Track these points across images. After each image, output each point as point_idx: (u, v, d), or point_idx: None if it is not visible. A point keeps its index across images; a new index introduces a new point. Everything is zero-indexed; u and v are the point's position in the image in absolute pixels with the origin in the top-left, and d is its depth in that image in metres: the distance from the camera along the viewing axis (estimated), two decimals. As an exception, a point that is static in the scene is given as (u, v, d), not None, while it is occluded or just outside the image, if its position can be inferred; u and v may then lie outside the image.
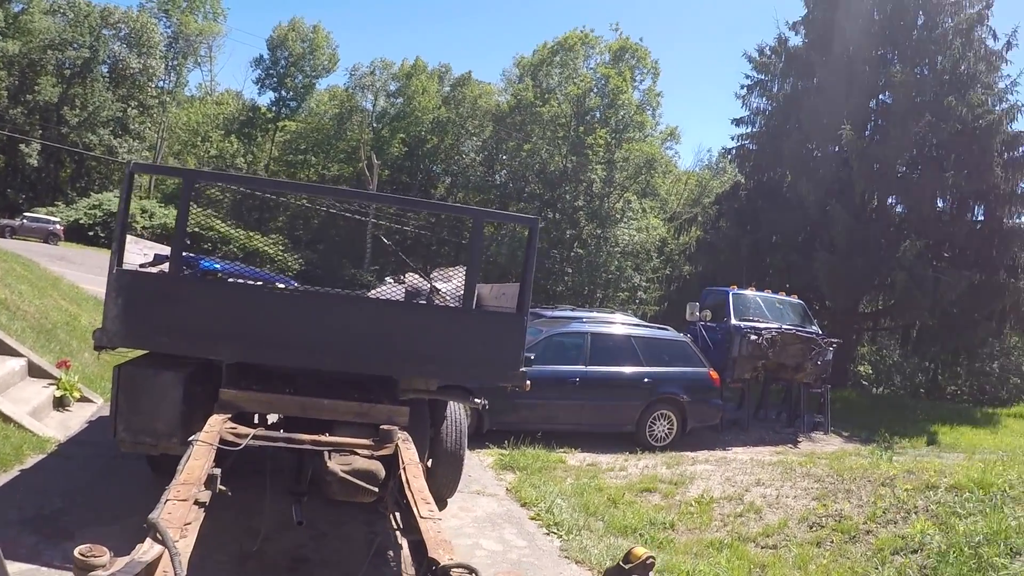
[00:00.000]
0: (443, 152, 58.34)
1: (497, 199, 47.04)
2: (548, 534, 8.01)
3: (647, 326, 16.33)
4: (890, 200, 29.46)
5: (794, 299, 19.92)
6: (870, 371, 49.45)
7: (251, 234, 44.41)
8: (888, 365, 48.57)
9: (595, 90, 46.20)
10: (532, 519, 8.47)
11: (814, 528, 8.30)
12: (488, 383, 8.20)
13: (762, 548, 7.97)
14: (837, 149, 28.38)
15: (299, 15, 73.12)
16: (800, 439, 17.22)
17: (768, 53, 32.22)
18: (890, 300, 28.70)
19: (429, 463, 7.88)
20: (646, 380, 13.95)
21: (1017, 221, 28.10)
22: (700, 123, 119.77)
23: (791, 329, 17.66)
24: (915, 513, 8.12)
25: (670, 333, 15.72)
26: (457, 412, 8.19)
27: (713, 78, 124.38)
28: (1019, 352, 44.63)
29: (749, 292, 19.12)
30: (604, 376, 13.69)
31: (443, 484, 8.20)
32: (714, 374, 15.02)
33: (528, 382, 7.41)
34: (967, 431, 20.56)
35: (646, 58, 49.51)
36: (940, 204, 28.52)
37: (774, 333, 16.96)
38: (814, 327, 19.24)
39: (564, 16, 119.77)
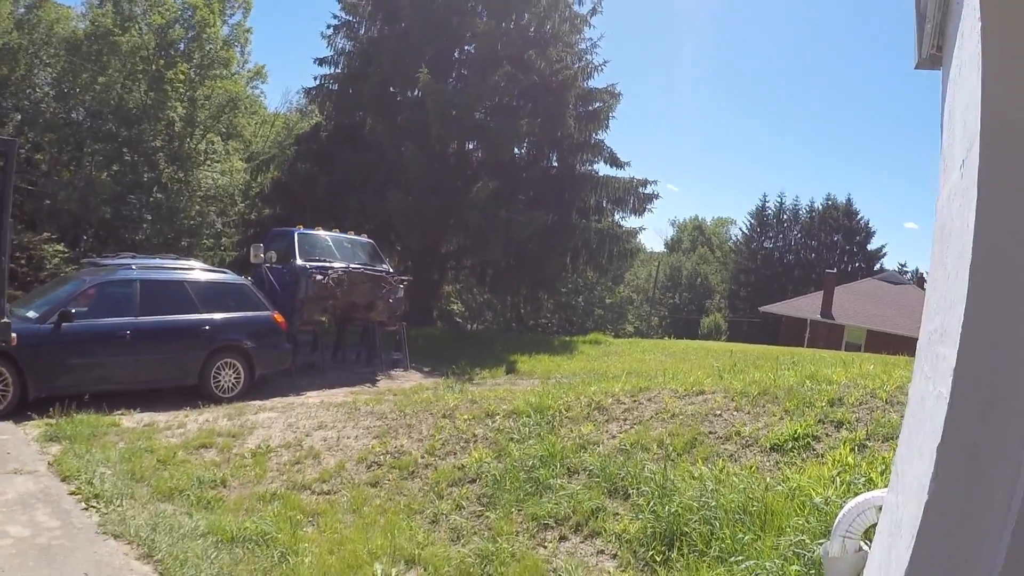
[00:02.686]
0: (13, 84, 52.42)
1: (72, 137, 43.07)
2: (87, 509, 7.10)
3: (212, 271, 15.16)
4: (469, 146, 30.42)
5: (364, 238, 19.67)
6: (462, 309, 51.81)
7: None
8: (479, 303, 51.16)
9: (180, 22, 43.46)
10: (72, 494, 7.46)
11: (372, 468, 8.16)
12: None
13: (317, 495, 7.65)
14: (417, 94, 28.70)
15: None
16: (379, 378, 17.21)
17: (359, -4, 31.86)
18: (467, 240, 29.64)
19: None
20: (205, 328, 13.13)
21: (588, 168, 30.54)
22: (290, 64, 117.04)
23: (359, 268, 17.52)
24: (473, 442, 8.23)
25: (228, 276, 14.87)
26: None
27: (306, 19, 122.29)
28: (601, 288, 48.69)
29: (317, 232, 18.51)
30: (157, 326, 12.64)
31: None
32: (279, 317, 14.45)
33: (14, 336, 6.61)
34: (545, 359, 21.53)
35: (238, -10, 47.12)
36: (517, 151, 29.89)
37: (340, 272, 16.69)
38: (384, 266, 19.13)
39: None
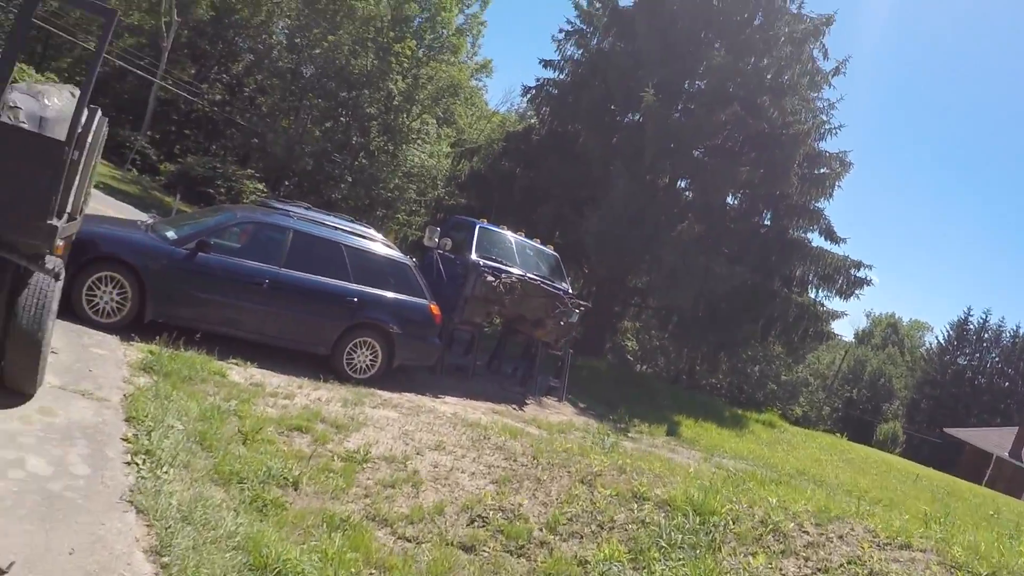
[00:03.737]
0: (251, 27, 53.97)
1: (295, 88, 43.65)
2: (129, 464, 5.70)
3: (386, 245, 13.39)
4: (681, 183, 28.53)
5: (549, 249, 17.81)
6: (636, 347, 49.76)
7: None
8: (654, 346, 49.04)
9: (418, 0, 43.39)
10: (125, 440, 6.11)
11: (474, 524, 6.44)
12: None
13: (397, 539, 6.02)
14: (637, 118, 27.08)
15: None
16: (529, 401, 15.56)
17: (596, 6, 30.41)
18: (657, 280, 27.16)
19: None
20: (351, 299, 11.68)
21: (801, 235, 27.92)
22: (516, 65, 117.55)
23: (536, 279, 15.72)
24: (609, 530, 6.39)
25: (393, 253, 13.23)
26: (43, 281, 5.82)
27: (539, 21, 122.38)
28: (780, 362, 45.94)
29: (501, 230, 16.71)
30: (299, 283, 11.28)
31: (16, 374, 6.04)
32: (435, 308, 12.83)
33: (60, 243, 5.09)
34: (712, 428, 19.43)
35: (481, -18, 46.99)
36: (730, 200, 27.84)
37: (514, 279, 14.95)
38: (564, 284, 17.14)
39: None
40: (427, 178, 39.60)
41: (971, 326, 72.25)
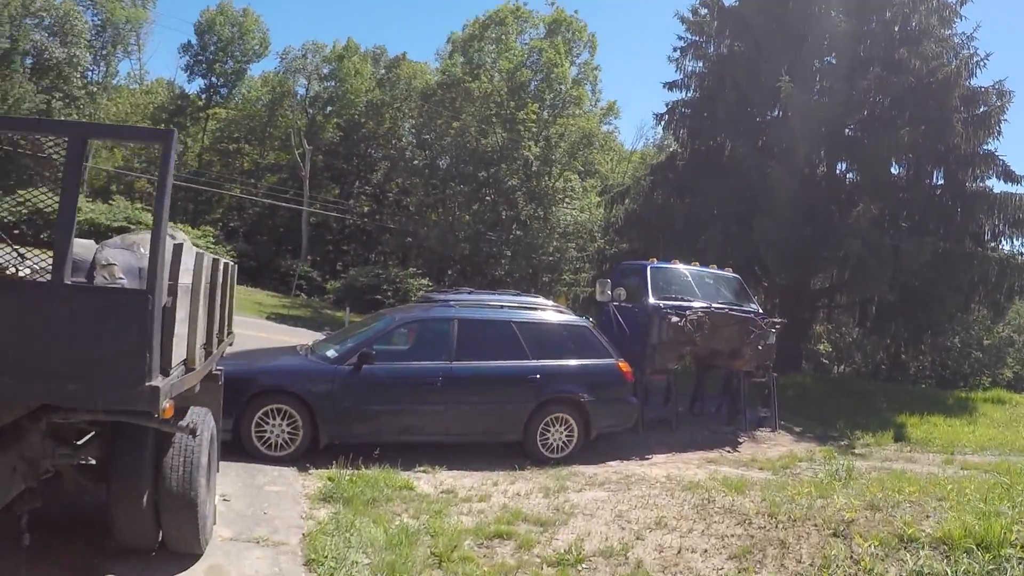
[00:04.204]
0: (380, 136, 55.68)
1: (435, 181, 44.31)
2: None
3: (558, 311, 12.79)
4: (840, 166, 26.78)
5: (728, 272, 16.68)
6: (829, 349, 47.39)
7: None
8: (848, 343, 46.53)
9: (528, 64, 43.52)
10: None
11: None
12: (89, 406, 4.47)
13: None
14: (778, 113, 25.80)
15: (226, -1, 68.91)
16: (742, 438, 14.49)
17: (702, 13, 29.43)
18: (844, 274, 25.69)
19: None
20: (533, 376, 10.99)
21: (980, 185, 25.43)
22: (642, 99, 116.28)
23: (722, 308, 14.65)
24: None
25: (568, 318, 12.56)
26: (186, 438, 5.40)
27: (654, 51, 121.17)
28: (979, 326, 42.79)
29: (674, 266, 15.79)
30: (475, 372, 10.79)
31: (176, 536, 5.66)
32: (624, 366, 11.94)
33: (167, 405, 4.56)
34: (939, 421, 17.81)
35: (583, 31, 46.86)
36: (894, 168, 25.77)
37: (700, 313, 13.89)
38: (753, 305, 16.07)
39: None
40: (584, 233, 39.04)
41: None
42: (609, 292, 14.52)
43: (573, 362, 11.51)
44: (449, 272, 43.42)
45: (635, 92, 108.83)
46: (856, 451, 14.37)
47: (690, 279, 15.39)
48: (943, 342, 32.27)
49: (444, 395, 10.48)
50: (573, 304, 29.93)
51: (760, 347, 14.62)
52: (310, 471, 8.99)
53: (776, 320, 15.80)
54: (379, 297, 35.93)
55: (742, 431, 14.91)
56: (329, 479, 8.45)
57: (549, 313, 12.26)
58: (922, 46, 24.31)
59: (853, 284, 24.07)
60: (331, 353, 10.57)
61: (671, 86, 29.70)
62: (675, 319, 13.58)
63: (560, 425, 11.14)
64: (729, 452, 13.23)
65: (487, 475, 9.58)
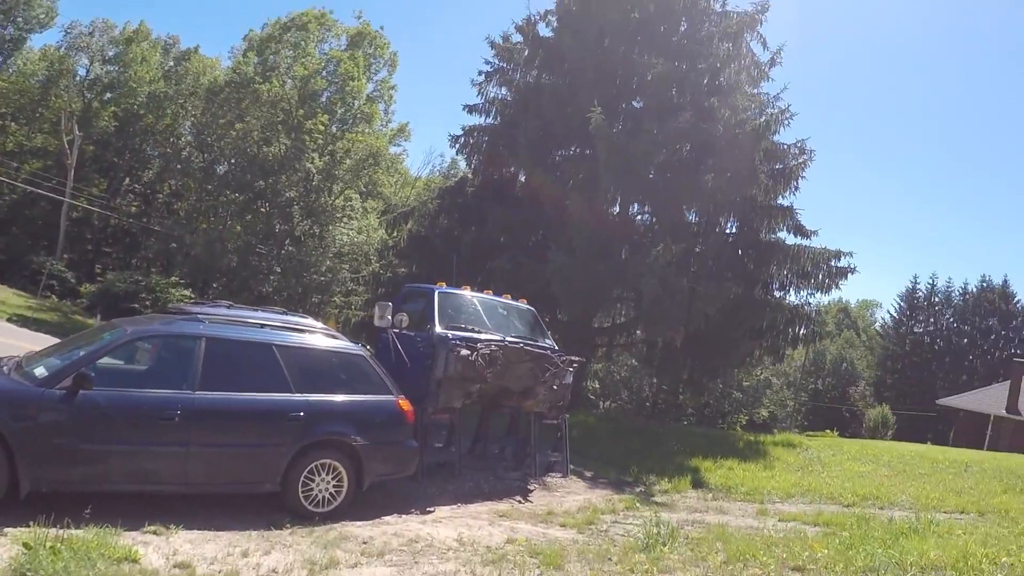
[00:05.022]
0: (158, 132, 52.07)
1: (214, 188, 41.42)
2: None
3: (330, 336, 10.60)
4: (635, 206, 26.58)
5: (522, 304, 15.27)
6: (596, 386, 47.87)
7: None
8: (615, 380, 47.36)
9: (324, 74, 41.47)
10: None
11: None
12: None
13: None
14: (579, 149, 25.54)
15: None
16: (532, 485, 13.09)
17: (514, 40, 28.68)
18: (628, 313, 26.03)
19: None
20: (296, 414, 8.98)
21: (773, 236, 25.92)
22: (434, 126, 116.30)
23: (518, 342, 13.07)
24: None
25: (342, 344, 10.53)
26: None
27: (450, 78, 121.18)
28: (740, 370, 44.44)
29: (464, 292, 14.07)
30: (225, 406, 8.63)
31: None
32: (405, 404, 10.23)
33: None
34: (735, 466, 17.19)
35: (385, 48, 45.20)
36: (690, 215, 25.87)
37: (495, 347, 12.31)
38: (548, 341, 14.67)
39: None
40: (359, 255, 37.34)
41: (920, 293, 74.74)
42: (389, 317, 12.50)
43: (345, 398, 9.71)
44: (215, 285, 40.75)
45: (427, 118, 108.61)
46: (656, 500, 13.32)
47: (481, 308, 13.78)
48: (720, 384, 32.54)
49: (184, 433, 8.25)
50: (343, 329, 27.97)
51: (555, 387, 13.26)
52: (4, 530, 6.71)
53: (573, 358, 14.20)
54: (136, 306, 32.65)
55: (532, 477, 13.51)
56: (25, 546, 6.18)
57: (319, 337, 10.26)
58: (732, 98, 24.30)
59: (648, 323, 23.38)
60: (39, 371, 8.10)
61: (471, 109, 28.82)
62: (464, 352, 11.91)
63: (327, 473, 9.17)
64: (521, 503, 11.79)
65: (236, 538, 7.55)
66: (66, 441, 7.58)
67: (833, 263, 25.18)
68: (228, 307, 10.46)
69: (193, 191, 41.39)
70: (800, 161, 25.10)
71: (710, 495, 14.14)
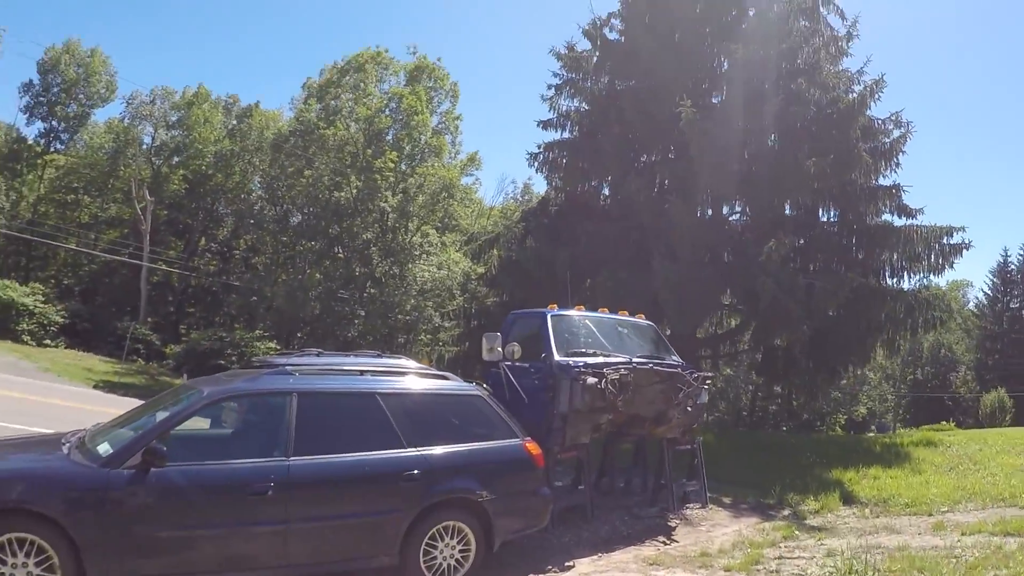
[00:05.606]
0: (228, 190, 51.94)
1: (289, 239, 40.86)
2: None
3: (428, 374, 9.18)
4: (728, 206, 24.99)
5: (642, 320, 13.66)
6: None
7: None
8: (713, 391, 45.65)
9: (387, 111, 40.69)
10: None
11: None
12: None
13: None
14: (665, 154, 24.19)
15: (75, 36, 62.91)
16: (673, 521, 11.58)
17: (579, 49, 27.04)
18: (734, 320, 24.76)
19: None
20: (412, 471, 7.61)
21: (879, 220, 24.04)
22: (503, 152, 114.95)
23: (646, 363, 11.47)
24: None
25: (454, 385, 9.10)
26: None
27: (517, 102, 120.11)
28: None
29: (575, 312, 12.39)
30: (326, 472, 7.24)
31: None
32: (533, 447, 8.76)
33: None
34: (881, 474, 15.52)
35: (445, 79, 44.33)
36: (787, 207, 24.03)
37: (624, 371, 10.77)
38: (674, 357, 12.86)
39: (361, 42, 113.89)
40: (442, 290, 36.17)
41: (1012, 267, 70.12)
42: (500, 348, 10.84)
43: (465, 447, 8.25)
44: (299, 335, 40.07)
45: (496, 145, 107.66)
46: (811, 523, 11.86)
47: (597, 329, 12.18)
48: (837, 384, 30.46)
49: (280, 508, 6.89)
50: (437, 366, 26.44)
51: (689, 408, 11.78)
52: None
53: (707, 374, 12.75)
54: (222, 362, 32.09)
55: (670, 512, 11.95)
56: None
57: (426, 380, 8.87)
58: (818, 76, 22.80)
59: (764, 326, 21.66)
60: (103, 449, 6.83)
61: (545, 125, 27.13)
62: (591, 380, 10.37)
63: (452, 537, 7.74)
64: (667, 544, 10.33)
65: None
66: (141, 528, 6.34)
67: (946, 240, 23.09)
68: (318, 355, 9.19)
69: (269, 244, 40.83)
70: (901, 135, 23.24)
71: (867, 511, 12.66)
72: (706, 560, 9.15)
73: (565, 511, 10.60)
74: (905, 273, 23.99)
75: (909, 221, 23.72)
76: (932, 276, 24.33)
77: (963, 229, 22.93)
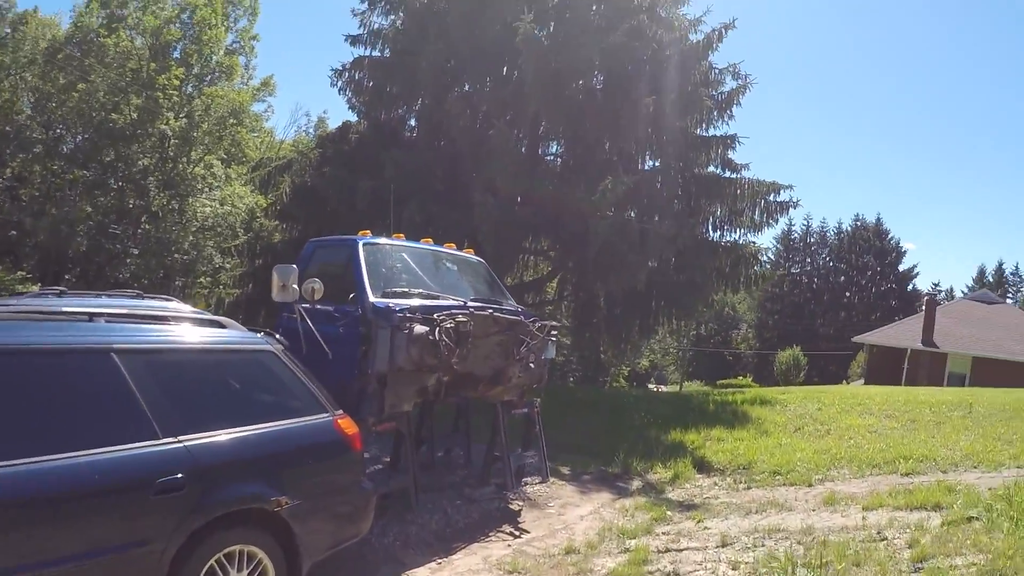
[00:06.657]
0: (-3, 108, 46.17)
1: (61, 168, 36.36)
2: None
3: (200, 317, 6.34)
4: (555, 142, 23.38)
5: (472, 256, 11.40)
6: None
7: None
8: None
9: (177, 24, 36.63)
10: None
11: None
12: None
13: None
14: (495, 78, 21.67)
15: None
16: (516, 504, 9.57)
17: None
18: (545, 267, 23.68)
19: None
20: (173, 476, 4.77)
21: (709, 170, 22.93)
22: (303, 78, 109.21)
23: (485, 308, 9.16)
24: None
25: (231, 335, 6.16)
26: None
27: (328, 21, 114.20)
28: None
29: (394, 241, 9.89)
30: (26, 489, 4.15)
31: None
32: (347, 423, 6.26)
33: None
34: (726, 436, 14.09)
35: (245, -6, 40.48)
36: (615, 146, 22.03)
37: (461, 317, 8.50)
38: (511, 302, 10.47)
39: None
40: (225, 228, 32.84)
41: (795, 235, 78.50)
42: (295, 286, 7.81)
43: (253, 430, 5.52)
44: (67, 276, 35.50)
45: (295, 71, 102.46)
46: (672, 496, 10.19)
47: (419, 266, 9.72)
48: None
49: None
50: (217, 312, 22.60)
51: (532, 364, 9.62)
52: None
53: (552, 324, 10.35)
54: (-22, 309, 27.78)
55: (508, 489, 9.84)
56: None
57: (196, 330, 5.96)
58: (658, 14, 21.30)
59: (596, 272, 19.73)
60: None
61: (354, 41, 24.02)
62: (420, 329, 8.00)
63: (240, 569, 5.13)
64: (516, 536, 8.30)
65: None
66: None
67: (772, 197, 22.15)
68: (59, 295, 6.48)
69: (37, 173, 36.18)
70: (738, 86, 22.07)
71: (730, 480, 11.08)
72: (579, 563, 7.12)
73: (382, 499, 7.83)
74: (726, 227, 23.00)
75: (735, 175, 22.79)
76: (753, 233, 23.11)
77: (790, 187, 22.09)
